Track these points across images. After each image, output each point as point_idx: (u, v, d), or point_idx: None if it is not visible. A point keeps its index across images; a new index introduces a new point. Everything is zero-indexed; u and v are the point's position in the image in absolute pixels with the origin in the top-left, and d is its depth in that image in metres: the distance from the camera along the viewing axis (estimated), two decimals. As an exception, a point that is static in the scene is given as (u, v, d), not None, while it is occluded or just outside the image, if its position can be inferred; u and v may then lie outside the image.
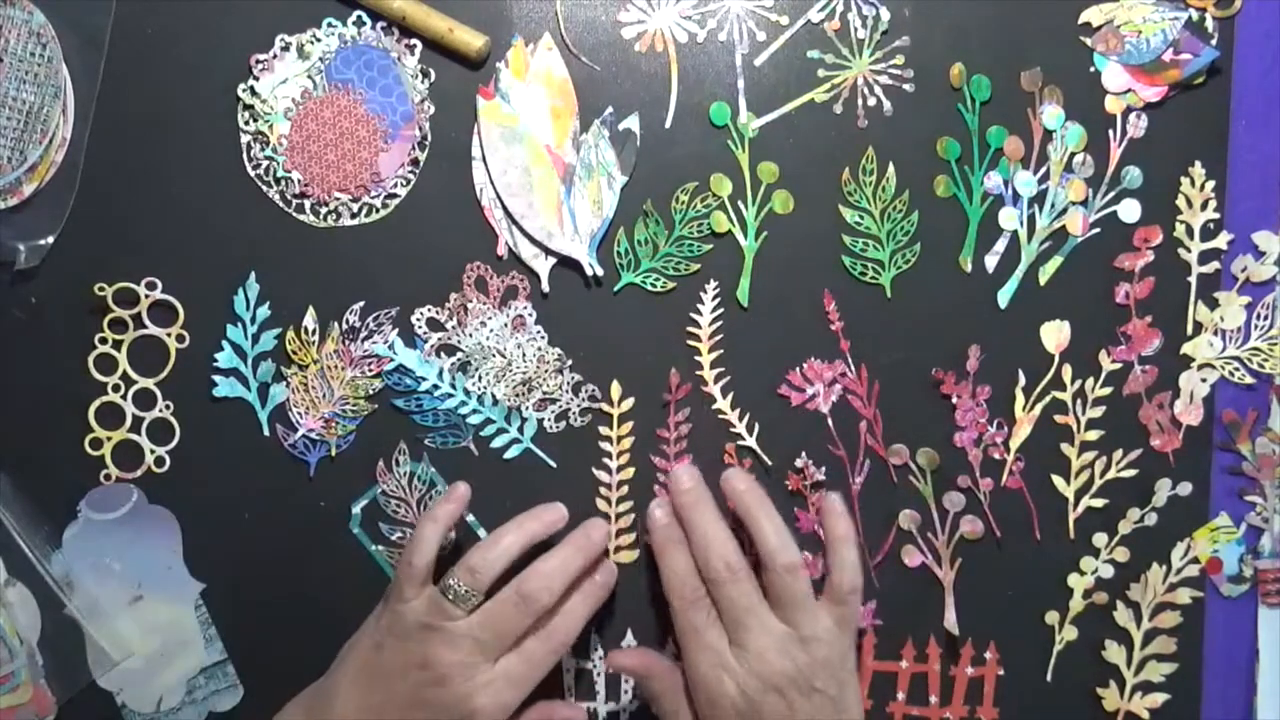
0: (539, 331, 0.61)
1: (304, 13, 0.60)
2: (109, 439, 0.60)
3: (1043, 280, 0.61)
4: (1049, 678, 0.62)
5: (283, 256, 0.60)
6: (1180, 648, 0.62)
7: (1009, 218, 0.61)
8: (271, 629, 0.61)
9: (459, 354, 0.61)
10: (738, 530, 0.57)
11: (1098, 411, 0.61)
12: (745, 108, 0.61)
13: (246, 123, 0.60)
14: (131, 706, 0.61)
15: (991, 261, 0.61)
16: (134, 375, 0.60)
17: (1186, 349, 0.61)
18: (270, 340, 0.60)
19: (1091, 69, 0.61)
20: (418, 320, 0.60)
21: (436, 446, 0.61)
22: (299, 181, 0.60)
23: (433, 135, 0.60)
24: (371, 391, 0.60)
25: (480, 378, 0.61)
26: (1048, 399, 0.61)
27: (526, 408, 0.61)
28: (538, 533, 0.56)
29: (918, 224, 0.61)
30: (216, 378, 0.60)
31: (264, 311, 0.60)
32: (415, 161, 0.60)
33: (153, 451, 0.60)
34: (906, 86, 0.61)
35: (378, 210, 0.60)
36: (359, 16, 0.60)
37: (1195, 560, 0.62)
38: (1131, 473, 0.61)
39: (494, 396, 0.61)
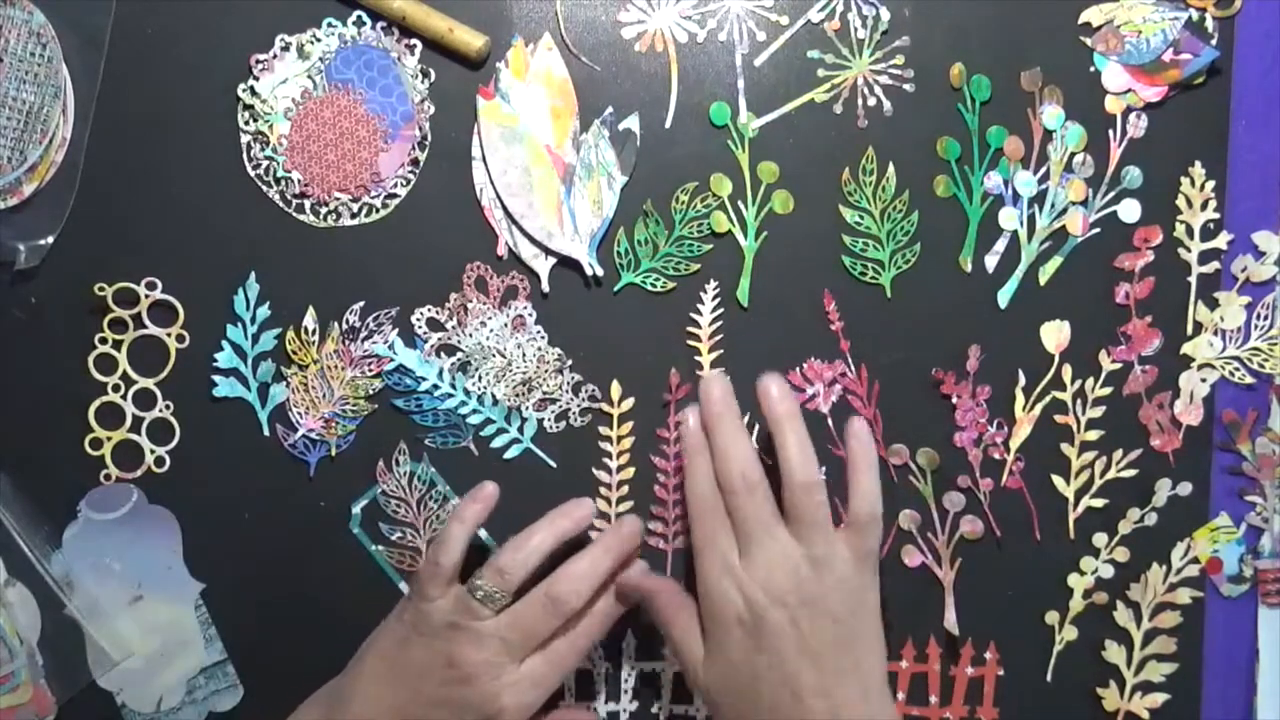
0: (539, 331, 0.61)
1: (304, 13, 0.60)
2: (109, 439, 0.60)
3: (1043, 280, 0.61)
4: (1049, 678, 0.62)
5: (283, 256, 0.60)
6: (1180, 648, 0.62)
7: (1009, 218, 0.61)
8: (271, 629, 0.61)
9: (459, 354, 0.61)
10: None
11: (1098, 411, 0.61)
12: (745, 108, 0.61)
13: (246, 123, 0.60)
14: (131, 706, 0.61)
15: (991, 261, 0.61)
16: (134, 375, 0.60)
17: (1186, 349, 0.61)
18: (270, 340, 0.60)
19: (1091, 69, 0.61)
20: (418, 320, 0.60)
21: (436, 446, 0.61)
22: (299, 181, 0.60)
23: (433, 135, 0.60)
24: (371, 391, 0.60)
25: (480, 378, 0.61)
26: (1048, 399, 0.61)
27: (526, 408, 0.61)
28: (567, 531, 0.56)
29: (918, 224, 0.61)
30: (216, 378, 0.60)
31: (264, 311, 0.60)
32: (415, 161, 0.60)
33: (153, 451, 0.60)
34: (906, 86, 0.61)
35: (378, 210, 0.60)
36: (359, 16, 0.60)
37: (1195, 560, 0.62)
38: (1131, 473, 0.62)
39: (494, 396, 0.61)
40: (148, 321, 0.60)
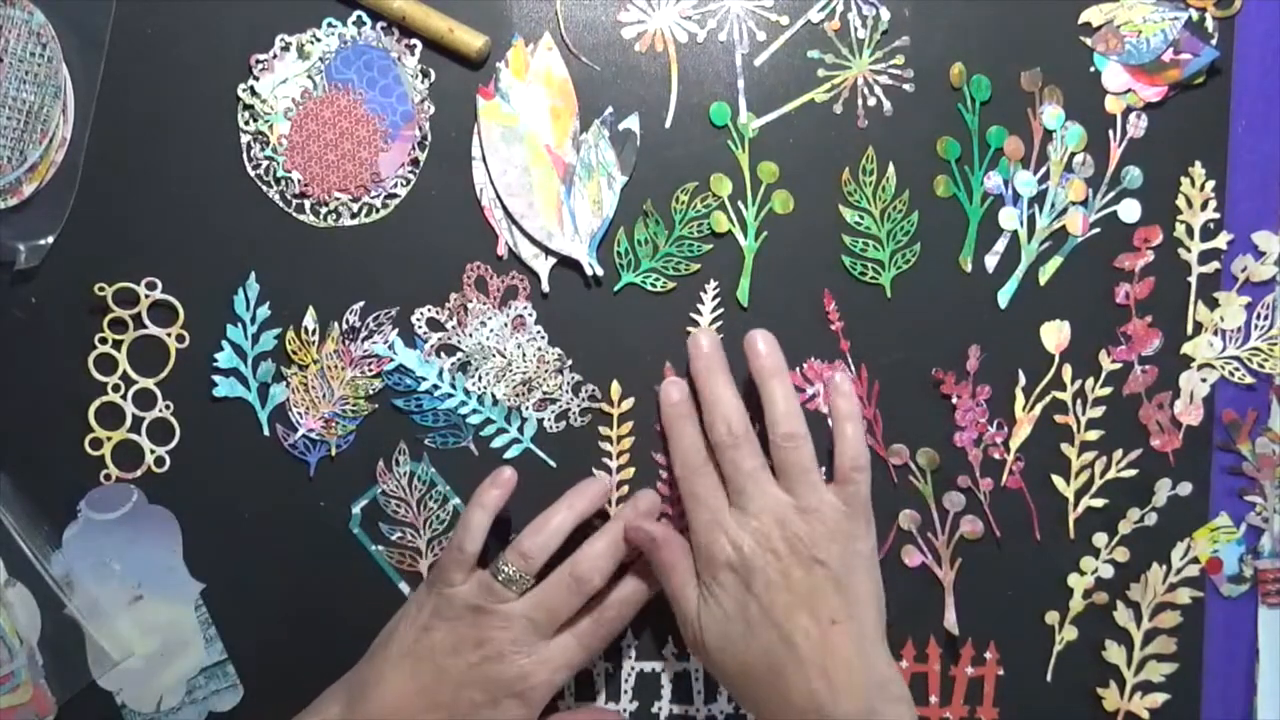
0: (539, 331, 0.61)
1: (304, 13, 0.60)
2: (109, 439, 0.60)
3: (1043, 280, 0.61)
4: (1049, 678, 0.62)
5: (283, 256, 0.60)
6: (1180, 648, 0.62)
7: (1009, 218, 0.61)
8: (271, 629, 0.61)
9: (459, 354, 0.61)
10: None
11: (1098, 411, 0.61)
12: (745, 108, 0.61)
13: (246, 123, 0.60)
14: (131, 706, 0.61)
15: (991, 261, 0.61)
16: (134, 375, 0.60)
17: (1186, 349, 0.61)
18: (270, 340, 0.60)
19: (1091, 69, 0.61)
20: (418, 320, 0.60)
21: (436, 446, 0.61)
22: (299, 181, 0.60)
23: (433, 135, 0.60)
24: (371, 391, 0.60)
25: (480, 378, 0.61)
26: (1048, 399, 0.61)
27: (526, 408, 0.61)
28: (585, 510, 0.57)
29: (918, 224, 0.61)
30: (216, 378, 0.60)
31: (264, 311, 0.60)
32: (415, 161, 0.60)
33: (153, 451, 0.60)
34: (906, 86, 0.61)
35: (378, 210, 0.60)
36: (359, 16, 0.60)
37: (1195, 560, 0.62)
38: (1131, 473, 0.62)
39: (494, 396, 0.61)
40: (148, 321, 0.60)
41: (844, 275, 0.61)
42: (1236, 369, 0.61)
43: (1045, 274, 0.61)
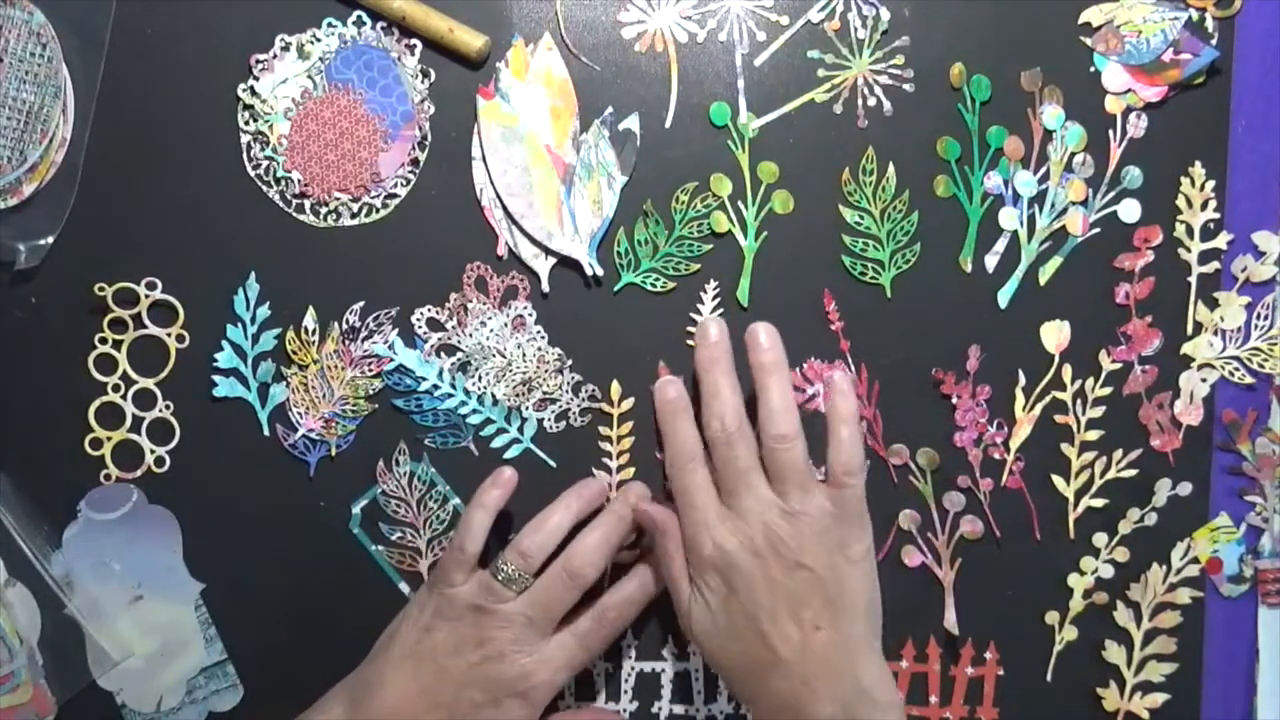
0: (539, 331, 0.61)
1: (304, 13, 0.60)
2: (109, 439, 0.60)
3: (1043, 280, 0.61)
4: (1049, 678, 0.62)
5: (283, 256, 0.60)
6: (1180, 648, 0.62)
7: (1009, 218, 0.61)
8: (271, 629, 0.61)
9: (459, 354, 0.61)
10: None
11: (1098, 411, 0.61)
12: (745, 108, 0.61)
13: (246, 123, 0.60)
14: (131, 706, 0.61)
15: (991, 261, 0.61)
16: (134, 375, 0.60)
17: (1186, 349, 0.61)
18: (270, 340, 0.60)
19: (1091, 69, 0.61)
20: (418, 320, 0.60)
21: (436, 446, 0.61)
22: (299, 181, 0.60)
23: (433, 135, 0.60)
24: (371, 391, 0.60)
25: (480, 378, 0.61)
26: (1048, 399, 0.61)
27: (526, 408, 0.61)
28: (583, 510, 0.57)
29: (918, 224, 0.61)
30: (216, 378, 0.60)
31: (264, 311, 0.60)
32: (415, 161, 0.60)
33: (153, 451, 0.60)
34: (906, 86, 0.61)
35: (378, 210, 0.60)
36: (359, 16, 0.60)
37: (1195, 560, 0.62)
38: (1131, 473, 0.62)
39: (494, 396, 0.61)
40: (148, 321, 0.60)
41: (844, 275, 0.61)
42: (1236, 369, 0.61)
43: (1045, 274, 0.61)
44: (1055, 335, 0.61)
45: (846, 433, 0.55)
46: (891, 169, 0.61)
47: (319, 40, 0.60)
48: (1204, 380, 0.61)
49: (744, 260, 0.61)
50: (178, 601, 0.61)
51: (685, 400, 0.58)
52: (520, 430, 0.61)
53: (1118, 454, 0.61)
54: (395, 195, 0.60)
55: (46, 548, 0.60)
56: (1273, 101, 0.61)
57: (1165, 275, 0.61)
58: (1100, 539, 0.62)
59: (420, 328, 0.60)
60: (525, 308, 0.61)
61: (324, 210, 0.60)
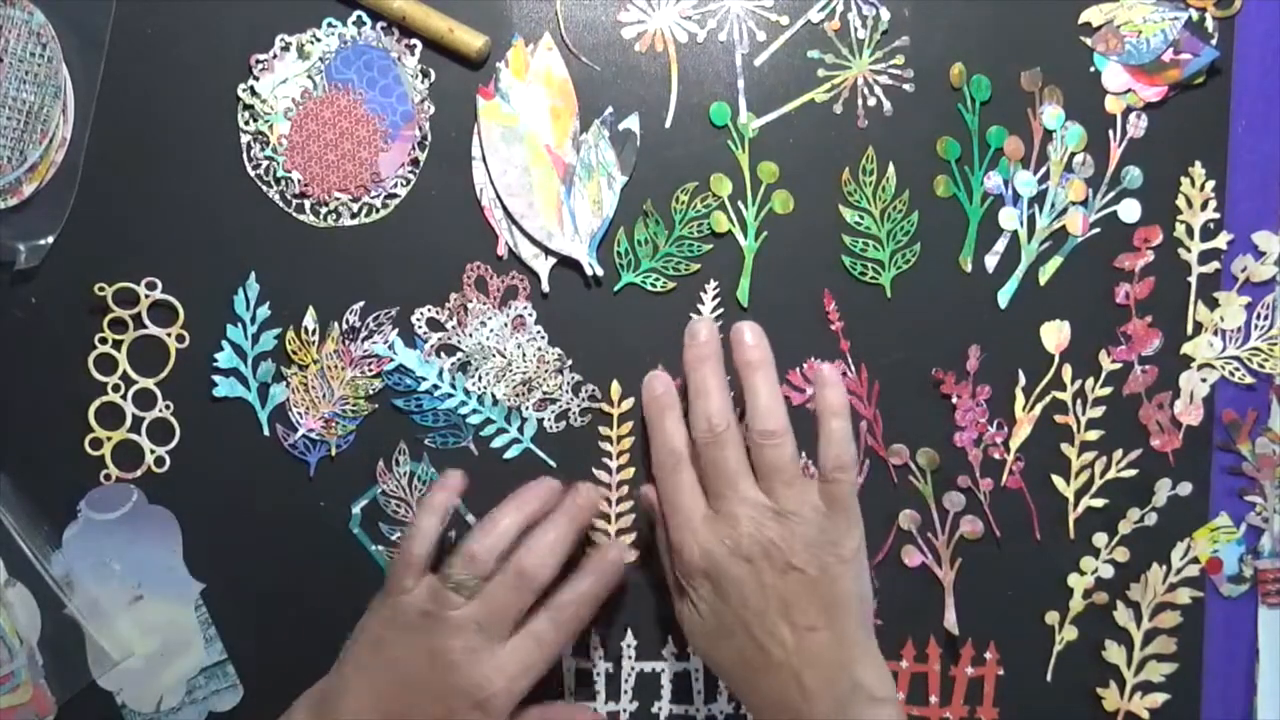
0: (539, 331, 0.61)
1: (304, 13, 0.60)
2: (109, 439, 0.60)
3: (1043, 280, 0.61)
4: (1049, 678, 0.62)
5: (283, 256, 0.60)
6: (1180, 648, 0.62)
7: (1009, 218, 0.61)
8: (271, 629, 0.61)
9: (459, 354, 0.61)
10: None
11: (1098, 411, 0.61)
12: (745, 108, 0.61)
13: (246, 123, 0.60)
14: (131, 706, 0.61)
15: (991, 261, 0.61)
16: (134, 375, 0.60)
17: (1186, 349, 0.61)
18: (270, 340, 0.60)
19: (1091, 69, 0.61)
20: (418, 320, 0.60)
21: (436, 446, 0.61)
22: (299, 181, 0.60)
23: (433, 135, 0.60)
24: (371, 391, 0.60)
25: (480, 378, 0.61)
26: (1048, 399, 0.61)
27: (526, 408, 0.61)
28: (534, 511, 0.56)
29: (918, 224, 0.61)
30: (216, 378, 0.60)
31: (264, 311, 0.60)
32: (415, 161, 0.60)
33: (153, 451, 0.60)
34: (906, 86, 0.61)
35: (378, 210, 0.60)
36: (359, 16, 0.60)
37: (1195, 560, 0.62)
38: (1131, 473, 0.62)
39: (494, 396, 0.61)
40: (148, 321, 0.60)
41: (844, 275, 0.61)
42: (1236, 369, 0.61)
43: (1045, 274, 0.61)
44: (1055, 335, 0.61)
45: (838, 425, 0.54)
46: (891, 169, 0.61)
47: (319, 40, 0.60)
48: (1204, 380, 0.61)
49: (744, 260, 0.61)
50: (178, 601, 0.61)
51: (673, 397, 0.57)
52: (520, 430, 0.61)
53: (1118, 454, 0.61)
54: (395, 195, 0.60)
55: (46, 548, 0.60)
56: (1273, 101, 0.61)
57: (1165, 275, 0.61)
58: (1100, 539, 0.62)
59: (420, 328, 0.60)
60: (525, 308, 0.61)
61: (324, 210, 0.60)
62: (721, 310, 0.61)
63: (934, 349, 0.61)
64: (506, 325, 0.61)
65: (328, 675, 0.57)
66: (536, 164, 0.60)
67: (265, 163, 0.60)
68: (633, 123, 0.60)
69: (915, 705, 0.62)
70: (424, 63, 0.60)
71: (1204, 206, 0.61)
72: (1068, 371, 0.61)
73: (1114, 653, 0.62)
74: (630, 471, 0.61)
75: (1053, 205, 0.61)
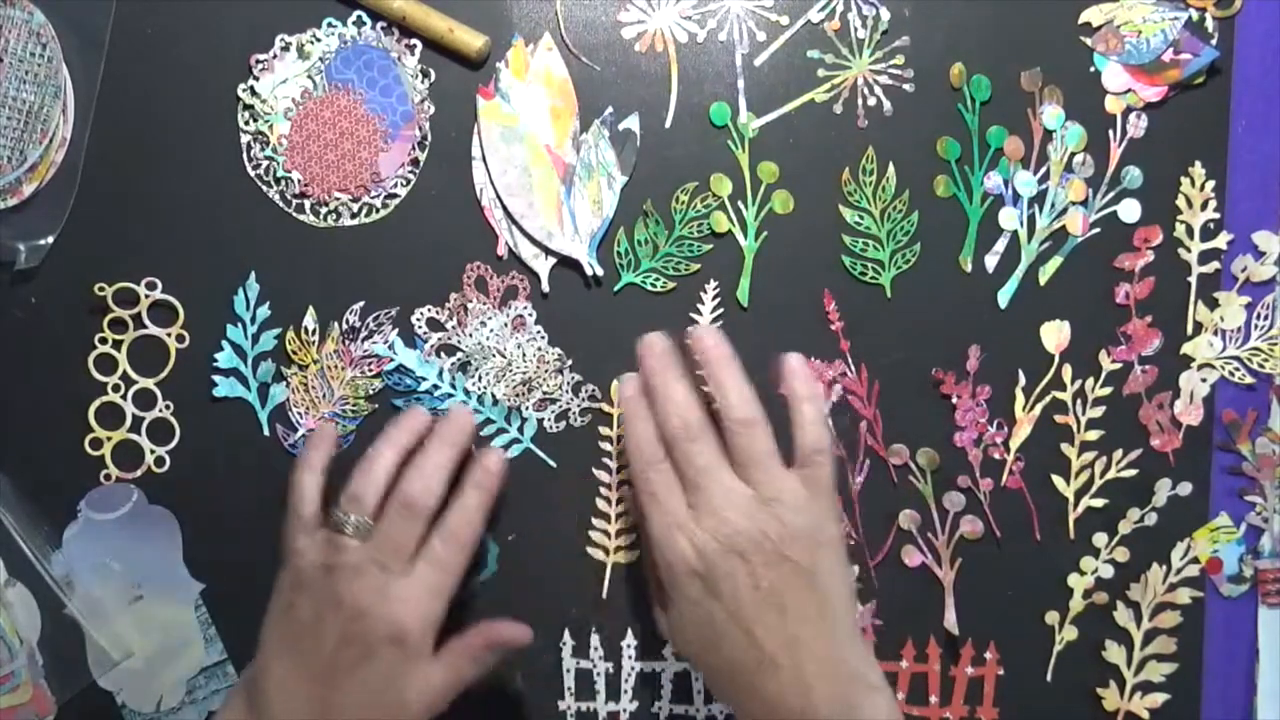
0: (539, 331, 0.61)
1: (304, 13, 0.60)
2: (109, 439, 0.60)
3: (1043, 280, 0.61)
4: (1049, 678, 0.62)
5: (283, 256, 0.60)
6: (1180, 648, 0.62)
7: (1009, 218, 0.61)
8: (271, 629, 0.61)
9: (459, 354, 0.61)
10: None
11: (1098, 411, 0.61)
12: (745, 108, 0.61)
13: (246, 123, 0.60)
14: (131, 706, 0.61)
15: (991, 261, 0.61)
16: (134, 375, 0.60)
17: (1186, 349, 0.61)
18: (270, 340, 0.60)
19: (1091, 69, 0.61)
20: (418, 320, 0.60)
21: (436, 446, 0.61)
22: (299, 181, 0.60)
23: (433, 135, 0.60)
24: (371, 391, 0.60)
25: (480, 378, 0.61)
26: (1048, 399, 0.61)
27: (526, 408, 0.61)
28: (407, 444, 0.56)
29: (918, 224, 0.61)
30: (216, 378, 0.60)
31: (264, 311, 0.60)
32: (415, 161, 0.60)
33: (153, 451, 0.60)
34: (906, 86, 0.61)
35: (378, 210, 0.60)
36: (359, 16, 0.60)
37: (1195, 560, 0.62)
38: (1131, 473, 0.61)
39: (494, 396, 0.61)
40: (148, 321, 0.60)
41: (844, 275, 0.61)
42: (1236, 369, 0.61)
43: (1045, 274, 0.61)
44: (1055, 335, 0.61)
45: (810, 409, 0.54)
46: (891, 169, 0.61)
47: (319, 40, 0.60)
48: (1204, 380, 0.61)
49: (744, 260, 0.61)
50: (178, 601, 0.61)
51: (641, 401, 0.56)
52: (520, 430, 0.61)
53: (1118, 454, 0.61)
54: (395, 195, 0.60)
55: (46, 548, 0.60)
56: (1273, 101, 0.61)
57: (1165, 275, 0.61)
58: (1100, 539, 0.62)
59: (420, 328, 0.60)
60: (525, 308, 0.61)
61: (324, 210, 0.60)
62: (721, 310, 0.61)
63: (934, 349, 0.61)
64: (506, 325, 0.61)
65: (249, 665, 0.55)
66: (536, 164, 0.60)
67: (265, 163, 0.60)
68: (633, 123, 0.60)
69: (915, 705, 0.62)
70: (424, 63, 0.60)
71: (1204, 206, 0.61)
72: (1068, 371, 0.61)
73: (1114, 653, 0.62)
74: (630, 471, 0.61)
75: (1053, 205, 0.61)
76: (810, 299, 0.61)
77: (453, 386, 0.61)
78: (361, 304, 0.60)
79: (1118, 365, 0.61)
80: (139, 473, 0.60)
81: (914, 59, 0.61)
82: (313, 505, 0.55)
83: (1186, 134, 0.61)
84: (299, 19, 0.60)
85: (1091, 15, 0.61)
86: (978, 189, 0.61)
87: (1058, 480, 0.61)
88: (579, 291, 0.61)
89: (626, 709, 0.62)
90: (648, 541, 0.54)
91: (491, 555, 0.61)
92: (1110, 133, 0.61)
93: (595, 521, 0.60)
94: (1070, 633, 0.62)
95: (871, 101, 0.61)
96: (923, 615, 0.62)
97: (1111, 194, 0.61)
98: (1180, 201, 0.61)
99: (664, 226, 0.61)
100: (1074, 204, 0.61)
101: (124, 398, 0.60)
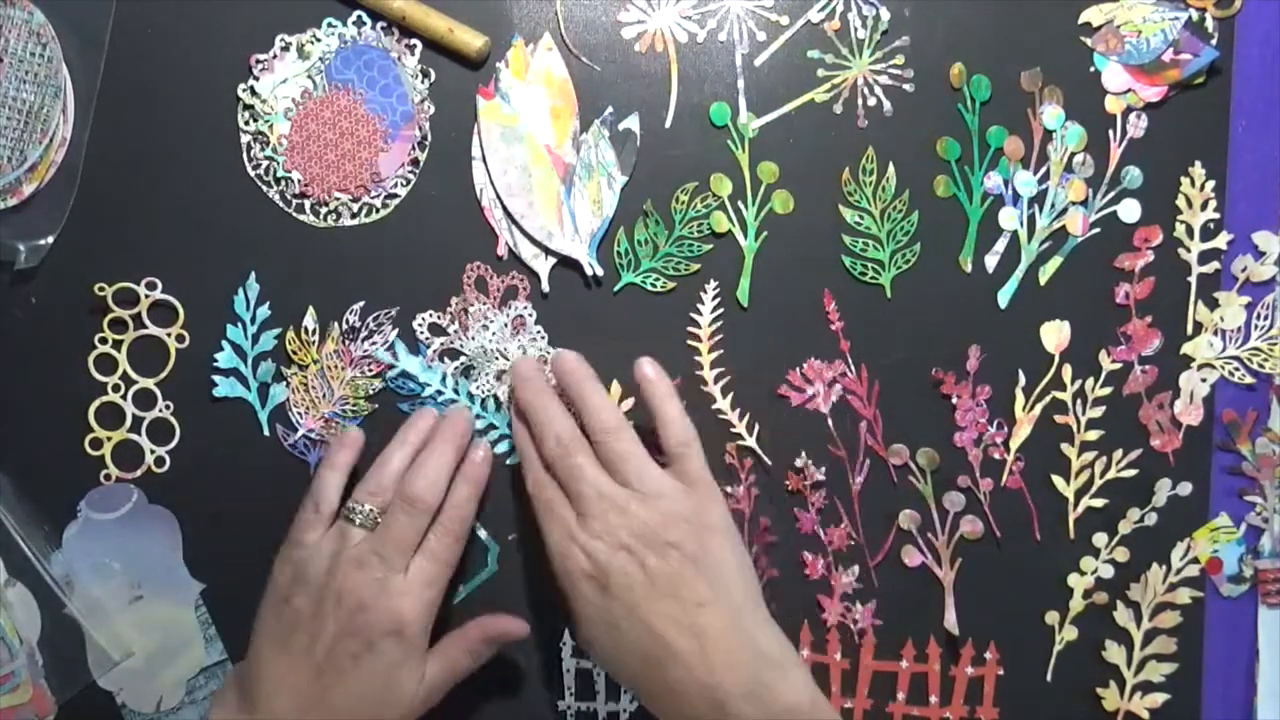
0: (539, 332, 0.61)
1: (304, 13, 0.60)
2: (109, 439, 0.60)
3: (1043, 280, 0.61)
4: (1049, 678, 0.62)
5: (283, 256, 0.60)
6: (1180, 648, 0.62)
7: (1009, 218, 0.61)
8: (271, 629, 0.61)
9: (462, 358, 0.61)
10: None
11: (1098, 411, 0.61)
12: (745, 108, 0.61)
13: (246, 123, 0.60)
14: (131, 706, 0.61)
15: (991, 261, 0.61)
16: (134, 375, 0.60)
17: (1186, 349, 0.61)
18: (270, 340, 0.60)
19: (1091, 69, 0.61)
20: (419, 326, 0.60)
21: (436, 446, 0.61)
22: (299, 181, 0.60)
23: (433, 135, 0.60)
24: (371, 391, 0.60)
25: (483, 382, 0.61)
26: (1048, 399, 0.61)
27: (526, 408, 0.61)
28: (417, 443, 0.58)
29: (918, 224, 0.61)
30: (216, 378, 0.60)
31: (264, 311, 0.60)
32: (415, 161, 0.60)
33: (153, 451, 0.60)
34: (906, 86, 0.61)
35: (378, 210, 0.60)
36: (359, 16, 0.60)
37: (1195, 560, 0.62)
38: (1131, 473, 0.62)
39: (496, 400, 0.61)
40: (148, 321, 0.60)
41: (844, 275, 0.61)
42: (1236, 369, 0.61)
43: (1045, 274, 0.61)
44: (1055, 335, 0.61)
45: (670, 407, 0.56)
46: (891, 169, 0.61)
47: (319, 40, 0.60)
48: (1204, 380, 0.61)
49: (744, 260, 0.61)
50: (178, 601, 0.61)
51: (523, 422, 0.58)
52: (520, 430, 0.61)
53: (1118, 454, 0.61)
54: (395, 195, 0.60)
55: (46, 548, 0.60)
56: (1273, 101, 0.61)
57: (1165, 275, 0.61)
58: (1100, 539, 0.62)
59: (422, 333, 0.60)
60: (525, 308, 0.61)
61: (324, 210, 0.60)
62: (721, 310, 0.61)
63: (934, 349, 0.61)
64: (507, 326, 0.61)
65: (243, 660, 0.56)
66: (536, 164, 0.60)
67: (265, 163, 0.60)
68: (633, 123, 0.60)
69: (915, 705, 0.62)
70: (424, 63, 0.60)
71: (1204, 206, 0.61)
72: (1068, 371, 0.61)
73: (1114, 653, 0.62)
74: (630, 471, 0.61)
75: (1053, 205, 0.61)
76: (810, 299, 0.61)
77: (456, 392, 0.61)
78: (361, 304, 0.60)
79: (1118, 365, 0.61)
80: (139, 473, 0.60)
81: (914, 59, 0.61)
82: (332, 505, 0.56)
83: (1186, 134, 0.61)
84: (299, 19, 0.60)
85: (1091, 15, 0.61)
86: (978, 189, 0.61)
87: (1058, 480, 0.61)
88: (579, 291, 0.61)
89: (626, 709, 0.62)
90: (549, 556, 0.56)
91: (491, 555, 0.61)
92: (1110, 133, 0.61)
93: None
94: (1070, 633, 0.62)
95: (871, 101, 0.61)
96: (923, 615, 0.62)
97: (1111, 194, 0.61)
98: (1180, 201, 0.61)
99: (664, 226, 0.61)
100: (1074, 204, 0.61)
101: (124, 398, 0.60)
